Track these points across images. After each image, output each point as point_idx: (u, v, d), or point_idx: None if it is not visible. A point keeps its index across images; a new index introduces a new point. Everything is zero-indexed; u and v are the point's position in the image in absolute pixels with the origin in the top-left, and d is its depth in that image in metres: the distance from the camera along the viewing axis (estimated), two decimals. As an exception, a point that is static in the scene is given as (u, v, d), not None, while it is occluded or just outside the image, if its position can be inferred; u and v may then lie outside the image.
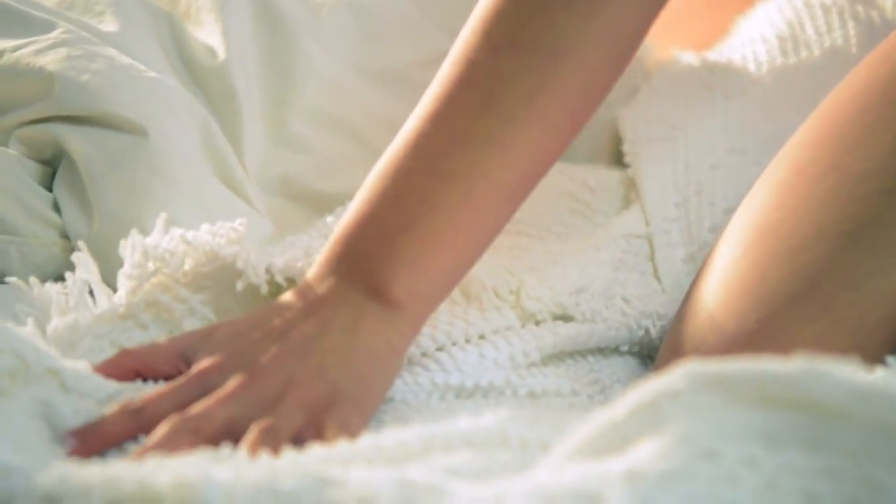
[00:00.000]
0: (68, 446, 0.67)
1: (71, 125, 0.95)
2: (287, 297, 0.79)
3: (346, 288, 0.78)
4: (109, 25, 1.02)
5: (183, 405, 0.71)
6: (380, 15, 1.11)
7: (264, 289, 0.82)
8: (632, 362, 0.89)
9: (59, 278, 0.88)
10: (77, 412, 0.70)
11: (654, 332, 0.89)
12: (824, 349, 0.74)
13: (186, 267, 0.82)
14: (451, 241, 0.79)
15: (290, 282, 0.83)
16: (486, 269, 0.85)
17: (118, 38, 1.01)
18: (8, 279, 0.87)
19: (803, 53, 1.12)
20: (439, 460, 0.62)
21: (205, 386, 0.73)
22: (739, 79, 1.11)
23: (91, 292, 0.82)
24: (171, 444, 0.67)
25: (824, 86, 0.91)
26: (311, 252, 0.84)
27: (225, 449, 0.62)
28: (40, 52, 0.97)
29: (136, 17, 1.03)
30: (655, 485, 0.53)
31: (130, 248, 0.81)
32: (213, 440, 0.69)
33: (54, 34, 0.98)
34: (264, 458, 0.60)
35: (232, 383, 0.72)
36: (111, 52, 0.98)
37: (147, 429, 0.69)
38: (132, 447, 0.69)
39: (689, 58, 1.17)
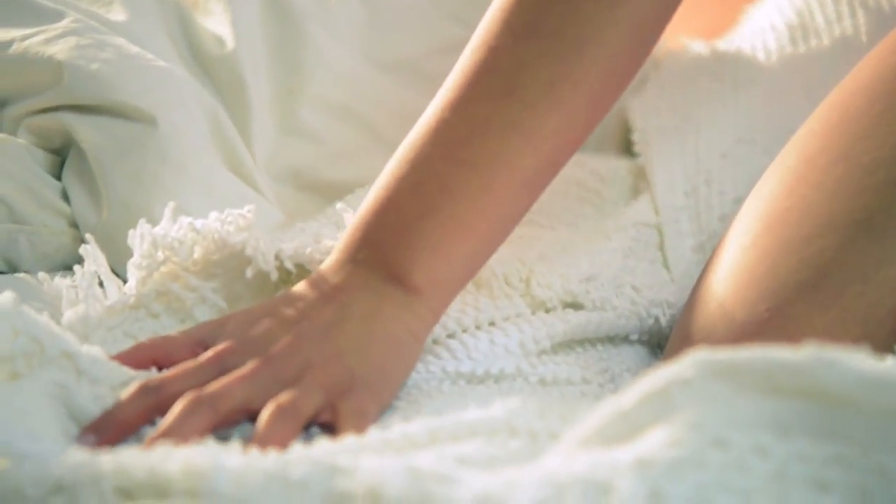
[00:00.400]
0: (86, 442, 0.67)
1: (80, 114, 0.95)
2: (306, 283, 0.79)
3: (366, 274, 0.78)
4: (118, 15, 1.02)
5: (201, 385, 0.70)
6: (389, 4, 1.11)
7: (274, 275, 0.82)
8: (641, 351, 0.89)
9: (69, 267, 0.88)
10: (96, 397, 0.70)
11: (663, 321, 0.89)
12: (834, 339, 0.74)
13: (196, 255, 0.82)
14: (471, 228, 0.79)
15: (300, 268, 0.83)
16: (497, 258, 0.85)
17: (127, 28, 1.01)
18: (18, 275, 0.87)
19: (813, 42, 1.12)
20: (449, 449, 0.62)
21: (223, 366, 0.72)
22: (749, 68, 1.11)
23: (101, 283, 0.82)
24: (188, 422, 0.67)
25: (834, 75, 0.91)
26: (321, 238, 0.84)
27: (236, 440, 0.62)
28: (49, 42, 0.97)
29: (144, 7, 1.03)
30: (665, 472, 0.53)
31: (139, 238, 0.81)
32: (231, 418, 0.69)
33: (63, 23, 0.98)
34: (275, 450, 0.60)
35: (250, 364, 0.72)
36: (120, 41, 0.98)
37: (164, 408, 0.69)
38: (148, 431, 0.69)
39: (698, 47, 1.17)
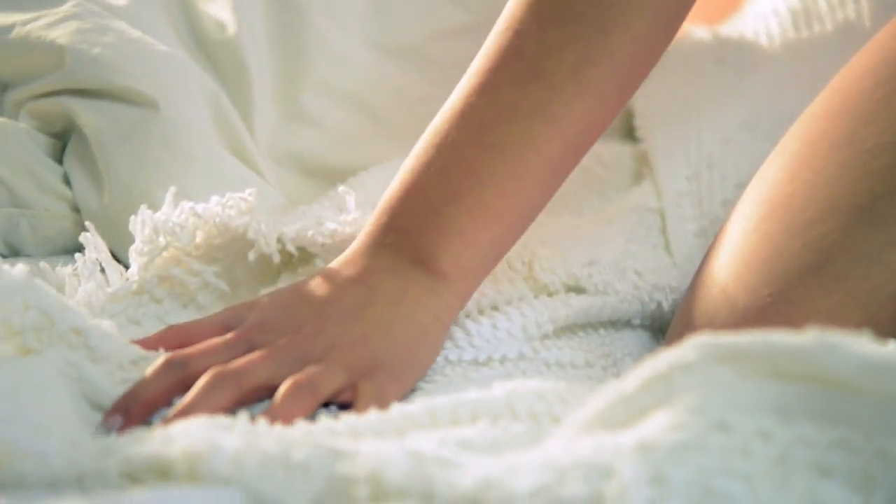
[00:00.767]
0: (113, 424, 0.67)
1: (82, 98, 0.95)
2: (333, 266, 0.79)
3: (393, 258, 0.78)
4: (119, -1, 1.02)
5: (226, 362, 0.71)
6: (391, -11, 1.11)
7: (276, 258, 0.82)
8: (643, 336, 0.89)
9: (70, 251, 0.88)
10: (107, 374, 0.71)
11: (666, 306, 0.89)
12: (837, 323, 0.74)
13: (198, 240, 0.82)
14: (497, 213, 0.79)
15: (302, 251, 0.83)
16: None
17: (128, 12, 1.00)
18: (18, 261, 0.87)
19: (816, 27, 1.11)
20: (452, 432, 0.62)
21: (250, 344, 0.73)
22: (752, 53, 1.11)
23: (102, 270, 0.82)
24: (210, 396, 0.68)
25: (837, 60, 0.90)
26: (323, 221, 0.84)
27: (243, 416, 0.63)
28: (51, 26, 0.97)
29: (145, -9, 1.03)
30: (667, 456, 0.53)
31: (140, 224, 0.81)
32: (254, 395, 0.70)
33: (65, 7, 0.98)
34: (277, 428, 0.60)
35: (276, 343, 0.73)
36: (121, 25, 0.98)
37: (189, 384, 0.69)
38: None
39: (701, 32, 1.16)
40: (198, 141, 0.95)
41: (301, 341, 0.73)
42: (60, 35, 0.96)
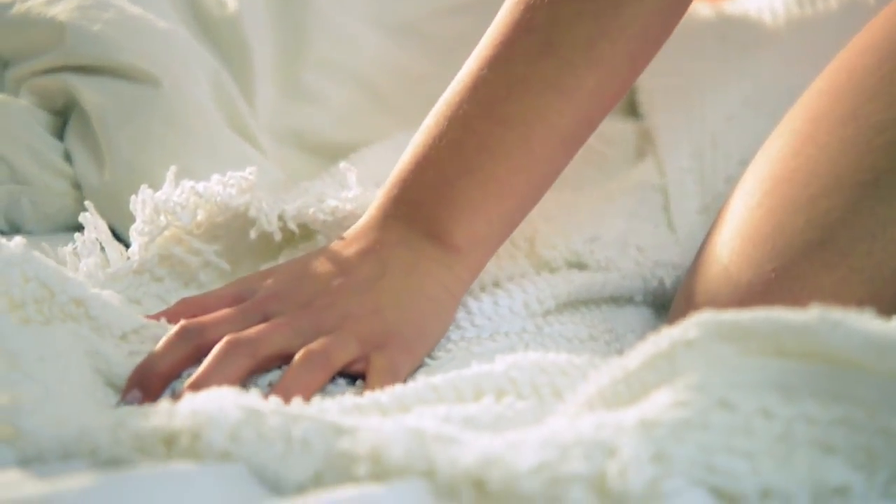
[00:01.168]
0: (132, 399, 0.68)
1: (83, 75, 0.95)
2: (345, 238, 0.79)
3: (405, 231, 0.78)
4: (119, -25, 1.01)
5: (241, 330, 0.71)
6: (393, -35, 1.11)
7: (278, 236, 0.82)
8: (646, 312, 0.89)
9: (71, 228, 0.88)
10: (115, 345, 0.71)
11: (668, 283, 0.89)
12: (841, 298, 0.73)
13: (199, 218, 0.81)
14: (509, 187, 0.79)
15: (303, 228, 0.83)
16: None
17: (128, -12, 1.00)
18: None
19: (820, 5, 1.11)
20: (456, 409, 0.62)
21: (264, 314, 0.73)
22: (755, 30, 1.10)
23: (103, 249, 0.81)
24: (226, 364, 0.68)
25: (841, 37, 0.90)
26: (324, 198, 0.84)
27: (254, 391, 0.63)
28: (51, 2, 0.97)
29: (145, -33, 1.03)
30: (669, 434, 0.53)
31: (141, 204, 0.81)
32: (268, 364, 0.71)
33: (65, -16, 0.98)
34: (279, 401, 0.60)
35: (291, 313, 0.73)
36: (121, 1, 0.98)
37: (204, 354, 0.70)
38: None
39: (705, 10, 1.16)
40: (199, 118, 0.95)
41: (314, 312, 0.73)
42: (61, 11, 0.96)
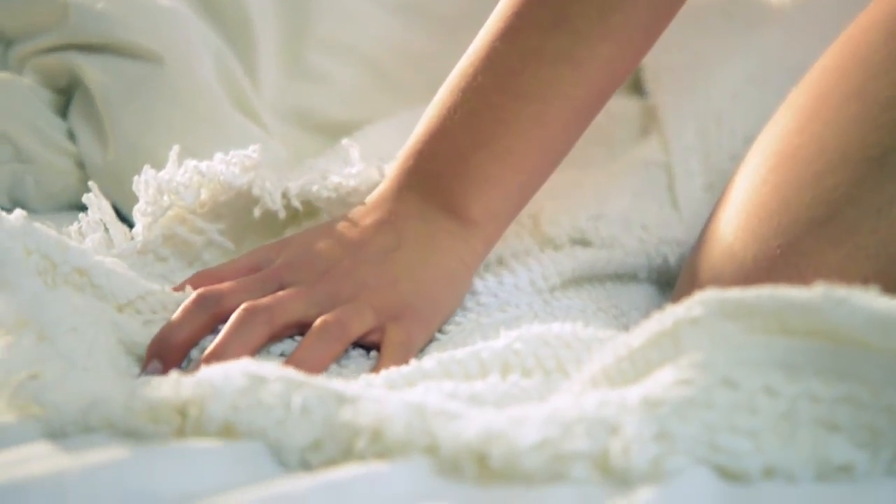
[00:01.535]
0: (153, 371, 0.68)
1: (86, 53, 0.95)
2: (361, 209, 0.79)
3: (420, 203, 0.79)
4: (121, -48, 1.01)
5: (259, 298, 0.72)
6: (397, -56, 1.10)
7: (282, 214, 0.82)
8: (650, 290, 0.89)
9: (75, 207, 0.88)
10: (131, 316, 0.71)
11: (672, 260, 0.89)
12: (846, 275, 0.73)
13: (203, 197, 0.81)
14: (525, 160, 0.79)
15: (307, 205, 0.83)
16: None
17: (131, -34, 1.00)
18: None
19: (826, -20, 1.11)
20: (462, 386, 0.62)
21: (280, 283, 0.74)
22: (760, 7, 1.10)
23: (106, 230, 0.81)
24: (244, 332, 0.69)
25: (847, 13, 0.90)
26: (327, 175, 0.84)
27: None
28: (54, -20, 0.96)
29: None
30: (672, 412, 0.53)
31: (144, 185, 0.81)
32: (285, 332, 0.71)
33: (68, -38, 0.98)
34: (288, 372, 0.60)
35: (307, 282, 0.73)
36: (125, -21, 0.98)
37: (221, 321, 0.70)
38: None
39: (710, -14, 1.16)
40: (203, 96, 0.95)
41: (331, 281, 0.74)
42: (64, -11, 0.95)
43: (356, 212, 0.79)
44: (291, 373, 0.58)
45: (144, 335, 0.71)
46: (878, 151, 0.76)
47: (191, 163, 0.81)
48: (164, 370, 0.68)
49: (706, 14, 1.10)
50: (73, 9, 0.94)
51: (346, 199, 0.82)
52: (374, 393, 0.57)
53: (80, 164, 0.94)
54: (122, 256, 0.80)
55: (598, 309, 0.83)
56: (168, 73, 0.94)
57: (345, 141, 0.88)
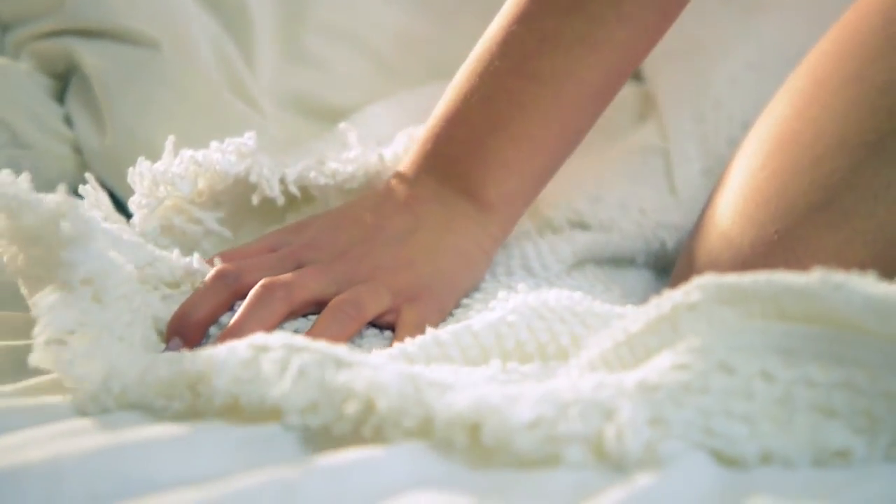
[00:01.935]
0: (174, 348, 0.69)
1: (83, 39, 0.95)
2: (379, 192, 0.80)
3: (438, 187, 0.79)
4: (118, -63, 1.01)
5: (277, 275, 0.72)
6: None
7: (280, 200, 0.82)
8: (647, 275, 0.90)
9: (72, 194, 0.87)
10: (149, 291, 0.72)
11: (670, 245, 0.89)
12: (843, 260, 0.73)
13: (200, 186, 0.81)
14: (541, 143, 0.79)
15: (305, 191, 0.83)
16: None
17: (128, -50, 1.00)
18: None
19: (824, -35, 1.10)
20: (464, 372, 0.62)
21: (299, 261, 0.74)
22: (758, -8, 1.09)
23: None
24: (262, 308, 0.69)
25: (845, 0, 0.89)
26: (324, 160, 0.83)
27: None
28: (51, -35, 0.96)
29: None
30: (667, 397, 0.53)
31: (138, 177, 0.80)
32: (303, 309, 0.72)
33: (64, -53, 0.97)
34: (293, 339, 0.60)
35: (325, 261, 0.74)
36: (122, -36, 0.97)
37: (241, 297, 0.71)
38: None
39: (708, -29, 1.15)
40: (200, 82, 0.94)
41: (349, 261, 0.74)
42: (60, -26, 0.95)
43: (374, 194, 0.80)
44: (295, 339, 0.59)
45: (164, 311, 0.71)
46: (875, 136, 0.75)
47: (187, 153, 0.81)
48: (185, 348, 0.69)
49: (704, 0, 1.10)
50: (70, -7, 0.94)
51: (342, 186, 0.82)
52: (372, 360, 0.58)
53: (78, 150, 0.94)
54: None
55: (606, 290, 0.84)
56: (166, 58, 0.94)
57: (342, 125, 0.88)
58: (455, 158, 0.79)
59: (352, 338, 0.72)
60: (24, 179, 0.66)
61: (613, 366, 0.58)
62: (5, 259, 0.67)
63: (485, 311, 0.73)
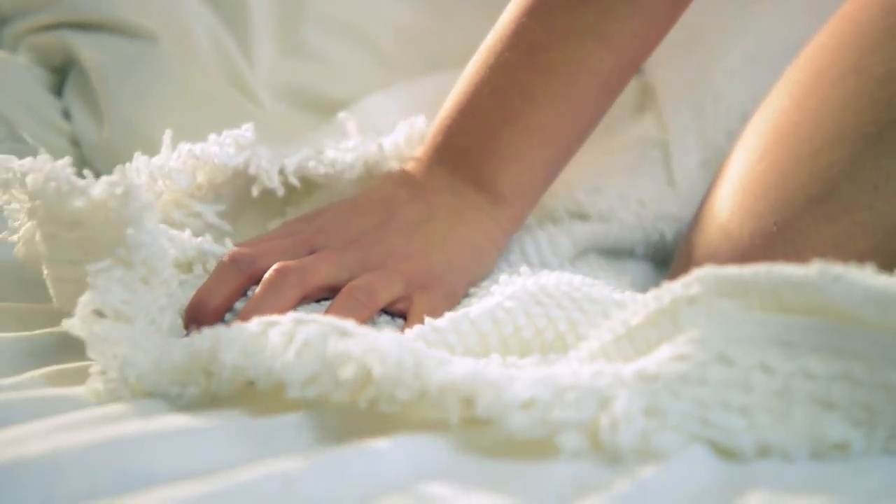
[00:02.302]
0: (190, 332, 0.69)
1: (81, 32, 0.95)
2: (390, 182, 0.80)
3: (450, 178, 0.80)
4: (116, -70, 1.01)
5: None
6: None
7: (280, 191, 0.82)
8: (646, 267, 0.90)
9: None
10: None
11: (669, 236, 0.90)
12: (843, 252, 0.73)
13: (199, 179, 0.81)
14: (552, 135, 0.79)
15: (305, 181, 0.83)
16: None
17: (125, -57, 1.00)
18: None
19: (823, -44, 1.10)
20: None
21: (312, 248, 0.75)
22: (758, -17, 1.09)
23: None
24: (276, 292, 0.70)
25: (845, -9, 0.89)
26: (323, 150, 0.83)
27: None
28: (49, -42, 0.96)
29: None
30: (664, 388, 0.53)
31: (136, 172, 0.80)
32: (316, 294, 0.72)
33: (62, -61, 0.97)
34: (301, 314, 0.61)
35: (339, 248, 0.74)
36: (119, -43, 0.97)
37: (255, 282, 0.71)
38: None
39: (707, -38, 1.15)
40: (198, 74, 0.94)
41: (362, 247, 0.75)
42: (58, -33, 0.95)
43: (386, 185, 0.80)
44: (304, 315, 0.59)
45: (182, 296, 0.72)
46: (874, 128, 0.75)
47: (185, 146, 0.81)
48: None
49: (702, -9, 1.10)
50: (68, -14, 0.94)
51: (342, 175, 0.82)
52: (375, 337, 0.58)
53: (76, 143, 0.94)
54: None
55: (615, 276, 0.84)
56: (164, 51, 0.94)
57: (342, 114, 0.88)
58: (467, 150, 0.80)
59: (364, 324, 0.72)
60: (66, 163, 0.66)
61: (614, 359, 0.58)
62: (37, 239, 0.68)
63: (486, 296, 0.73)
